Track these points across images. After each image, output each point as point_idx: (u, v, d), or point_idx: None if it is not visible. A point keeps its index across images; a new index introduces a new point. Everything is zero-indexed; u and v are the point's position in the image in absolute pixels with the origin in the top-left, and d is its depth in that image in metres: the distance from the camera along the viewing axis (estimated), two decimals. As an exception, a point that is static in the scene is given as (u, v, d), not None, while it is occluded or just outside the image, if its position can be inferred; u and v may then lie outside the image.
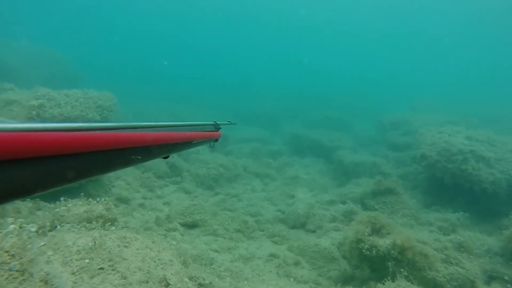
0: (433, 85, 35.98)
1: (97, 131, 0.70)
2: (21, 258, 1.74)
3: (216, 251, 6.23)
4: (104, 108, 8.27)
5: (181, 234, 6.55)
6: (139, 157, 0.91)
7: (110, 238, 3.37)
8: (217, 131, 1.79)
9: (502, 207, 7.75)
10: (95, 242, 3.07)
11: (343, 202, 8.47)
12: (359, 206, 7.90)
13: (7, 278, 1.64)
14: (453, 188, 8.26)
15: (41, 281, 1.79)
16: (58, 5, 44.11)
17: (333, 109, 21.22)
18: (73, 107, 7.45)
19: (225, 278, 4.84)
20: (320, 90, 29.28)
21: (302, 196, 9.18)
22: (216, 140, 1.86)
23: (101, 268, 2.79)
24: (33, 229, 2.33)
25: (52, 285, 1.87)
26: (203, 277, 3.91)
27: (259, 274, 5.33)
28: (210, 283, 3.92)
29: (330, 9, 54.41)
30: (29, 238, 2.06)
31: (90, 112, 7.77)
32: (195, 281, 3.60)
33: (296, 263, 6.05)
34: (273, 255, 6.31)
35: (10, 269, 1.56)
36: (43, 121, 0.58)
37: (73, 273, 2.29)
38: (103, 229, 3.60)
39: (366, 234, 5.27)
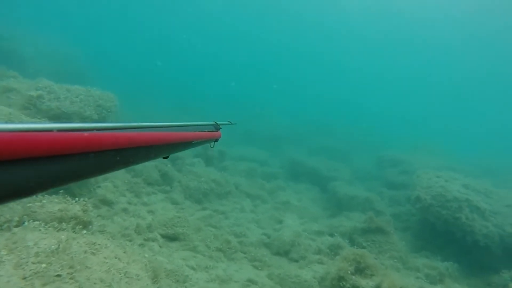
0: (438, 128, 36.06)
1: (97, 131, 0.70)
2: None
3: (193, 268, 5.99)
4: (103, 108, 8.24)
5: (160, 246, 6.33)
6: (140, 158, 0.92)
7: (77, 242, 3.20)
8: (217, 131, 1.79)
9: (494, 263, 7.52)
10: (59, 245, 2.91)
11: (331, 235, 8.25)
12: (346, 241, 7.68)
13: None
14: (444, 235, 8.04)
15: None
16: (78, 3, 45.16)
17: (335, 139, 21.20)
18: (72, 103, 7.42)
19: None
20: (325, 118, 29.40)
21: (290, 222, 8.96)
22: (216, 140, 1.85)
23: (58, 275, 2.62)
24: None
25: None
26: (170, 296, 3.69)
27: (232, 300, 5.08)
28: (177, 304, 3.70)
29: (343, 38, 55.67)
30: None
31: (89, 110, 7.73)
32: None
33: (274, 293, 5.79)
34: (251, 281, 6.06)
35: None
36: (41, 122, 0.56)
37: (24, 278, 2.13)
38: (73, 231, 3.44)
39: (349, 272, 5.05)
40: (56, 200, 4.00)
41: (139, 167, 9.28)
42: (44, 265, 2.53)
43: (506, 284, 6.72)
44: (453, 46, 48.02)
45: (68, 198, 4.20)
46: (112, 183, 7.63)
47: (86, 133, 0.64)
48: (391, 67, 56.34)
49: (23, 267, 1.97)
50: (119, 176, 8.08)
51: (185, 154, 11.72)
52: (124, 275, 3.09)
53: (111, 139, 0.71)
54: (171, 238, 6.70)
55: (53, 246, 2.84)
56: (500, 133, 35.37)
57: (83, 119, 7.46)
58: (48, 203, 3.89)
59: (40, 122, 0.56)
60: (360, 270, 5.17)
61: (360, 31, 52.97)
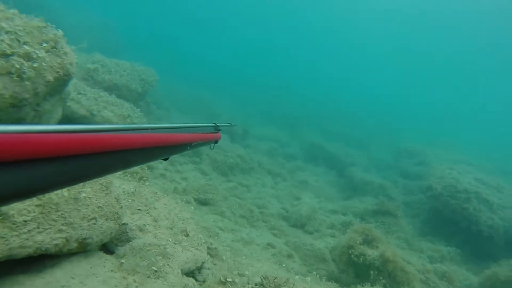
0: (462, 124, 35.39)
1: (98, 133, 0.71)
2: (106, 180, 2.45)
3: (221, 229, 6.90)
4: (146, 82, 9.09)
5: (193, 208, 7.26)
6: (141, 160, 0.95)
7: (145, 190, 4.07)
8: (217, 132, 1.82)
9: (494, 252, 8.06)
10: (135, 189, 3.78)
11: (344, 214, 8.98)
12: (358, 220, 8.38)
13: (99, 188, 2.34)
14: (451, 224, 8.61)
15: (114, 198, 2.49)
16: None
17: (355, 127, 21.59)
18: (121, 76, 8.30)
19: (226, 251, 5.50)
20: (347, 104, 29.57)
21: (307, 200, 9.73)
22: (216, 142, 1.86)
23: (139, 209, 3.49)
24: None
25: (120, 204, 2.58)
26: (210, 242, 4.59)
27: (255, 256, 5.96)
28: (216, 248, 4.59)
29: (374, 26, 54.32)
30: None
31: (134, 83, 8.60)
32: (205, 243, 4.27)
33: (290, 256, 6.65)
34: (270, 245, 6.92)
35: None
36: (43, 124, 0.58)
37: (120, 207, 2.97)
38: (140, 182, 4.33)
39: (358, 242, 5.81)
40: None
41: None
42: (130, 201, 3.41)
43: (503, 273, 7.28)
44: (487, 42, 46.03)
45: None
46: (151, 151, 8.58)
47: (88, 135, 0.66)
48: (418, 60, 54.76)
49: (119, 200, 2.78)
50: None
51: (213, 131, 12.58)
52: (181, 217, 3.95)
53: (113, 141, 0.72)
54: (203, 202, 7.63)
55: (131, 190, 3.72)
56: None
57: (130, 91, 8.36)
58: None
59: (44, 124, 0.57)
60: (368, 241, 5.91)
61: (390, 18, 51.48)
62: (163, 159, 1.20)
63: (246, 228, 7.51)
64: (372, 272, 5.33)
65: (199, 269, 3.58)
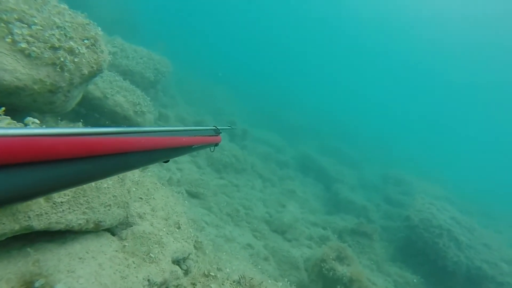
0: (457, 159, 36.15)
1: (100, 136, 0.71)
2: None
3: (207, 223, 7.34)
4: (159, 72, 9.46)
5: (184, 200, 7.68)
6: (141, 162, 0.95)
7: (147, 180, 4.48)
8: (217, 135, 1.84)
9: (454, 287, 8.60)
10: (139, 179, 4.19)
11: (324, 228, 9.46)
12: (335, 236, 8.87)
13: (116, 180, 2.76)
14: (421, 254, 9.14)
15: (126, 189, 2.90)
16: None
17: (352, 144, 22.13)
18: (137, 63, 8.66)
19: (209, 245, 5.93)
20: (348, 123, 30.08)
21: (292, 209, 10.20)
22: (217, 145, 1.87)
23: (140, 198, 3.91)
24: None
25: (130, 195, 2.99)
26: (197, 236, 5.02)
27: (235, 254, 6.40)
28: (201, 242, 5.03)
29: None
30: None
31: (148, 72, 8.96)
32: (194, 237, 4.70)
33: (266, 259, 7.10)
34: (249, 245, 7.38)
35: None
36: (45, 127, 0.59)
37: (128, 192, 3.38)
38: (143, 172, 4.75)
39: (331, 257, 6.28)
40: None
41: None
42: (133, 189, 3.82)
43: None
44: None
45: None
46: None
47: (89, 138, 0.66)
48: (420, 87, 55.66)
49: (130, 192, 3.18)
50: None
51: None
52: (175, 210, 4.37)
53: (113, 144, 0.73)
54: (193, 195, 8.06)
55: (136, 178, 4.13)
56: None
57: (143, 79, 8.72)
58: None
59: (45, 128, 0.58)
60: (340, 258, 6.39)
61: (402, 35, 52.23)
62: (163, 162, 1.19)
63: (230, 226, 7.95)
64: (338, 286, 5.80)
65: (184, 259, 4.01)
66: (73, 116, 6.43)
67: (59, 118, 4.84)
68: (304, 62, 55.86)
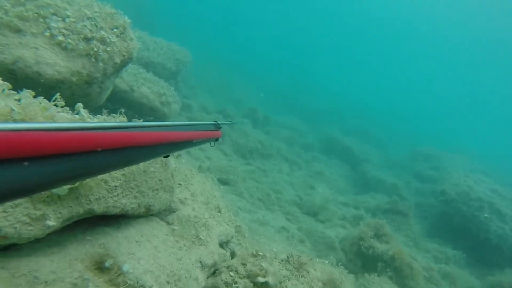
0: (485, 132, 34.59)
1: (101, 131, 0.71)
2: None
3: (240, 208, 7.37)
4: (180, 62, 9.44)
5: (222, 188, 7.73)
6: (142, 157, 0.95)
7: (182, 167, 4.50)
8: (217, 130, 1.82)
9: (501, 261, 8.29)
10: (175, 166, 4.20)
11: (356, 208, 9.31)
12: (369, 215, 8.71)
13: (160, 165, 2.74)
14: (459, 229, 8.84)
15: (170, 174, 2.89)
16: None
17: (375, 124, 21.58)
18: (158, 54, 8.66)
19: (246, 229, 5.95)
20: (369, 101, 29.33)
21: (321, 190, 10.09)
22: (217, 139, 1.87)
23: (180, 184, 3.92)
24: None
25: (174, 179, 2.99)
26: (235, 220, 5.03)
27: (271, 236, 6.41)
28: (239, 226, 5.03)
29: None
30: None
31: (169, 63, 8.96)
32: (234, 220, 4.71)
33: (301, 241, 7.08)
34: (284, 228, 7.37)
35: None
36: (46, 122, 0.58)
37: (174, 182, 3.39)
38: (178, 159, 4.76)
39: (369, 235, 6.17)
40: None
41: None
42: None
43: (507, 281, 7.55)
44: None
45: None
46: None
47: (90, 133, 0.66)
48: (445, 64, 53.17)
49: (174, 176, 3.19)
50: (184, 123, 9.46)
51: (235, 114, 12.97)
52: (212, 195, 4.37)
53: (114, 138, 0.73)
54: (224, 182, 8.09)
55: (173, 165, 4.14)
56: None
57: (165, 70, 8.73)
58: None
59: (45, 122, 0.57)
60: (378, 236, 6.26)
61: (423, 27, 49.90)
62: (163, 157, 1.22)
63: (262, 211, 7.96)
64: (379, 264, 5.70)
65: (228, 242, 4.02)
66: (100, 112, 6.56)
67: (91, 113, 4.92)
68: (322, 45, 54.55)
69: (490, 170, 14.67)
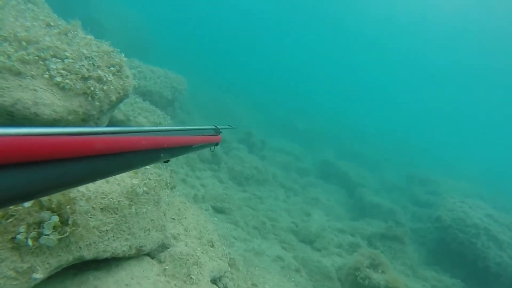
0: (480, 155, 34.85)
1: (100, 136, 0.71)
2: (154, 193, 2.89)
3: (235, 238, 7.30)
4: (176, 90, 9.64)
5: (210, 215, 7.68)
6: (141, 162, 0.94)
7: (177, 200, 4.51)
8: (217, 135, 1.82)
9: (499, 290, 8.16)
10: (169, 199, 4.23)
11: (352, 235, 9.23)
12: (365, 242, 8.64)
13: (153, 204, 2.78)
14: (457, 256, 8.75)
15: (162, 212, 2.93)
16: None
17: (371, 147, 21.75)
18: (155, 83, 8.86)
19: (240, 261, 5.88)
20: (365, 124, 29.69)
21: (317, 217, 10.02)
22: (217, 144, 1.85)
23: (173, 219, 3.93)
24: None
25: (166, 218, 3.01)
26: (229, 252, 4.98)
27: (266, 267, 6.32)
28: (233, 258, 4.99)
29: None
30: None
31: (166, 91, 9.15)
32: (227, 254, 4.67)
33: (297, 270, 6.97)
34: (279, 258, 7.27)
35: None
36: (45, 126, 0.58)
37: (164, 214, 3.41)
38: (172, 192, 4.79)
39: (364, 265, 6.10)
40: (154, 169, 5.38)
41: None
42: (167, 211, 3.84)
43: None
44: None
45: (159, 165, 5.58)
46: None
47: (89, 137, 0.66)
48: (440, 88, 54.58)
49: (166, 214, 3.22)
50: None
51: (231, 139, 13.08)
52: (206, 228, 4.37)
53: (115, 143, 0.72)
54: (219, 210, 8.05)
55: (166, 199, 4.17)
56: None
57: (161, 98, 8.90)
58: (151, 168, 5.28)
59: (44, 127, 0.57)
60: (374, 266, 6.20)
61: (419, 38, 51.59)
62: (164, 162, 1.19)
63: (257, 239, 7.87)
64: (376, 296, 5.61)
65: (221, 277, 3.98)
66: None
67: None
68: (314, 67, 55.84)
69: (485, 192, 14.73)
